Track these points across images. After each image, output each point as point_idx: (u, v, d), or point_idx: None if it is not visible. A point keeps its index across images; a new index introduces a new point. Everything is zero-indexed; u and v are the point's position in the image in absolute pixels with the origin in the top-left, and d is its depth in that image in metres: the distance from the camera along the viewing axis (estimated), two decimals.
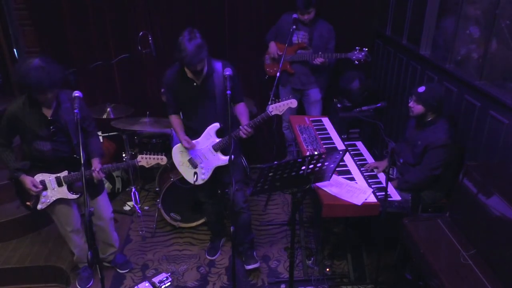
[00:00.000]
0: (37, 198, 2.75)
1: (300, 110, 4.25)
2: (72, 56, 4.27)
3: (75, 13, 4.16)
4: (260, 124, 2.86)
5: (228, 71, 2.70)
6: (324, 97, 4.24)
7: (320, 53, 3.79)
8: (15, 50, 4.31)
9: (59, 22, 4.18)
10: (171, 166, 3.69)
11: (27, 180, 2.67)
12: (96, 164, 2.79)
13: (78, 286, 3.15)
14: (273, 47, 4.00)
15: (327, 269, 3.21)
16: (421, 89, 2.85)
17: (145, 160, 2.83)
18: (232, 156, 2.58)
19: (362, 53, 3.69)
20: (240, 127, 2.84)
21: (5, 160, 2.69)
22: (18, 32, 4.26)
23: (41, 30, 4.22)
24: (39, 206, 2.77)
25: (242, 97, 3.01)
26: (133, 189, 4.01)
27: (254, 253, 3.32)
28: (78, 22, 4.20)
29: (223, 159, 2.96)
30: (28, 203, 2.77)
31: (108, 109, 3.89)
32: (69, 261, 3.34)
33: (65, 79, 2.61)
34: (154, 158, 2.84)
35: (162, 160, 2.86)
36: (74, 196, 2.79)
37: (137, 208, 3.94)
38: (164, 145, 4.00)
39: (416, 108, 2.87)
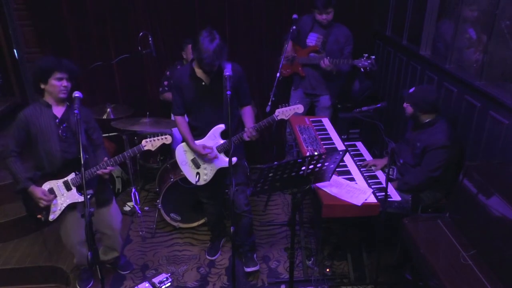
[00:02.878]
0: (47, 209, 2.71)
1: (311, 114, 4.21)
2: (72, 56, 4.27)
3: (75, 13, 4.17)
4: (265, 127, 2.86)
5: (227, 72, 2.70)
6: (334, 104, 4.16)
7: (328, 57, 3.70)
8: (15, 50, 4.31)
9: (59, 22, 4.18)
10: (171, 167, 3.70)
11: (37, 190, 2.63)
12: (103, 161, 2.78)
13: (78, 287, 3.15)
14: (289, 46, 3.89)
15: (327, 270, 3.21)
16: (411, 90, 2.91)
17: (150, 143, 2.79)
18: (235, 159, 2.56)
19: (368, 61, 3.58)
20: (246, 129, 2.84)
21: (15, 171, 2.64)
22: (18, 32, 4.26)
23: (41, 30, 4.22)
24: (51, 217, 2.72)
25: (249, 100, 3.01)
26: (133, 190, 4.00)
27: (255, 256, 3.31)
28: (78, 22, 4.21)
29: (227, 161, 2.94)
30: (39, 216, 2.72)
31: (108, 110, 3.89)
32: (69, 261, 3.34)
33: (79, 75, 2.70)
34: (158, 139, 2.80)
35: (167, 139, 2.82)
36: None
37: (137, 209, 3.94)
38: (164, 145, 3.99)
39: (408, 108, 2.92)
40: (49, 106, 2.64)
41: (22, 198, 2.72)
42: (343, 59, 3.70)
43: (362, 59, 3.60)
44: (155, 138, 2.81)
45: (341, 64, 3.70)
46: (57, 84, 2.56)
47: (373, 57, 3.59)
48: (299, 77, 4.02)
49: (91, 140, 2.82)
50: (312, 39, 3.90)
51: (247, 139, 2.84)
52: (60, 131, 2.64)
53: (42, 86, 2.59)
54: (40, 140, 2.62)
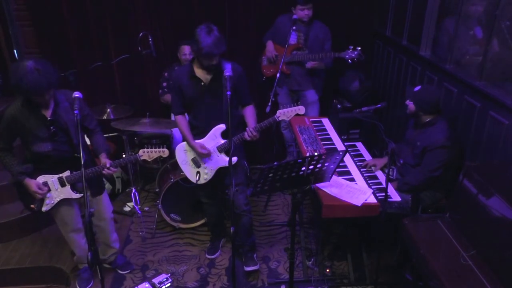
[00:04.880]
0: (41, 200, 2.74)
1: None
2: (72, 57, 4.27)
3: (75, 13, 4.17)
4: (266, 128, 2.86)
5: (228, 72, 2.70)
6: (320, 97, 4.22)
7: (316, 55, 3.79)
8: (15, 50, 4.32)
9: (59, 23, 4.18)
10: (171, 167, 3.70)
11: (31, 183, 2.65)
12: (104, 159, 2.79)
13: (78, 287, 3.15)
14: (270, 46, 3.98)
15: (327, 270, 3.21)
16: (417, 88, 2.93)
17: (147, 154, 2.82)
18: (236, 158, 2.56)
19: (355, 52, 3.64)
20: (247, 129, 2.84)
21: (7, 165, 2.67)
22: (18, 32, 4.26)
23: (41, 31, 4.22)
24: (44, 208, 2.75)
25: (249, 100, 3.01)
26: (133, 190, 4.01)
27: (254, 256, 3.31)
28: (78, 23, 4.21)
29: (227, 160, 2.94)
30: (32, 206, 2.75)
31: (108, 110, 3.89)
32: (69, 262, 3.34)
33: (61, 79, 2.60)
34: (155, 152, 2.83)
35: (164, 152, 2.85)
36: (78, 195, 2.78)
37: (137, 209, 3.94)
38: (162, 145, 3.99)
39: (410, 106, 2.94)
40: (36, 107, 2.58)
41: (16, 188, 2.74)
42: (324, 53, 3.78)
43: (349, 51, 3.66)
44: (153, 150, 2.83)
45: (325, 58, 3.79)
46: (38, 99, 2.50)
47: (359, 48, 3.64)
48: (284, 75, 4.03)
49: (86, 129, 2.81)
50: (294, 37, 3.93)
51: (248, 138, 2.84)
52: (51, 132, 2.62)
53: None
54: (31, 141, 2.61)
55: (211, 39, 2.62)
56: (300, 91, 4.12)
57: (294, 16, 3.79)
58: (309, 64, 3.79)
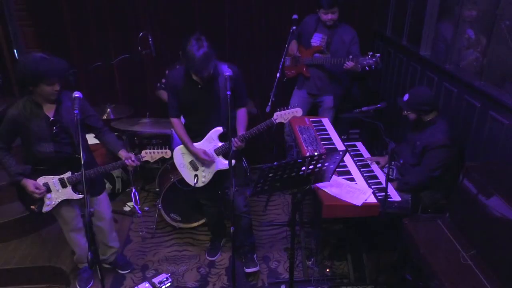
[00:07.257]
0: (41, 201, 2.73)
1: (314, 115, 4.14)
2: (72, 57, 4.28)
3: (75, 13, 4.17)
4: (263, 130, 2.84)
5: (228, 72, 2.68)
6: (337, 105, 4.08)
7: (350, 57, 3.55)
8: (15, 50, 4.32)
9: (59, 23, 4.19)
10: (171, 167, 3.70)
11: (29, 183, 2.64)
12: (126, 153, 2.79)
13: (78, 287, 3.15)
14: (293, 46, 3.88)
15: (327, 270, 3.21)
16: (405, 97, 2.90)
17: (149, 155, 2.82)
18: (233, 161, 2.55)
19: (373, 59, 3.44)
20: (232, 139, 2.77)
21: (5, 165, 2.65)
22: (18, 32, 4.26)
23: (41, 31, 4.23)
24: (44, 209, 2.75)
25: (245, 102, 2.99)
26: (133, 190, 3.99)
27: (255, 256, 3.31)
28: (78, 23, 4.21)
29: (224, 163, 2.93)
30: (32, 207, 2.74)
31: (108, 110, 3.90)
32: (69, 262, 3.34)
33: (67, 76, 2.62)
34: (158, 153, 2.83)
35: (167, 153, 2.85)
36: (80, 196, 2.77)
37: (137, 209, 3.94)
38: (164, 146, 3.99)
39: (410, 116, 2.92)
40: (39, 107, 2.58)
41: (16, 190, 2.73)
42: (342, 58, 3.59)
43: (367, 58, 3.47)
44: (155, 151, 2.83)
45: (342, 62, 3.58)
46: (48, 89, 2.50)
47: (378, 55, 3.46)
48: (303, 77, 3.99)
49: (93, 128, 2.80)
50: (317, 40, 3.85)
51: (234, 149, 2.77)
52: (53, 132, 2.61)
53: (31, 88, 2.51)
54: (33, 142, 2.61)
55: (199, 57, 2.55)
56: (318, 95, 4.02)
57: (294, 16, 3.72)
58: (347, 65, 3.52)
